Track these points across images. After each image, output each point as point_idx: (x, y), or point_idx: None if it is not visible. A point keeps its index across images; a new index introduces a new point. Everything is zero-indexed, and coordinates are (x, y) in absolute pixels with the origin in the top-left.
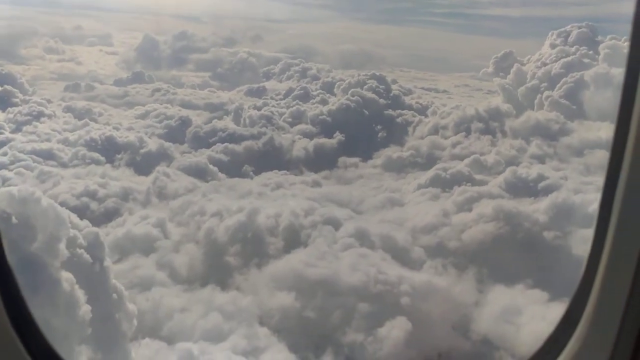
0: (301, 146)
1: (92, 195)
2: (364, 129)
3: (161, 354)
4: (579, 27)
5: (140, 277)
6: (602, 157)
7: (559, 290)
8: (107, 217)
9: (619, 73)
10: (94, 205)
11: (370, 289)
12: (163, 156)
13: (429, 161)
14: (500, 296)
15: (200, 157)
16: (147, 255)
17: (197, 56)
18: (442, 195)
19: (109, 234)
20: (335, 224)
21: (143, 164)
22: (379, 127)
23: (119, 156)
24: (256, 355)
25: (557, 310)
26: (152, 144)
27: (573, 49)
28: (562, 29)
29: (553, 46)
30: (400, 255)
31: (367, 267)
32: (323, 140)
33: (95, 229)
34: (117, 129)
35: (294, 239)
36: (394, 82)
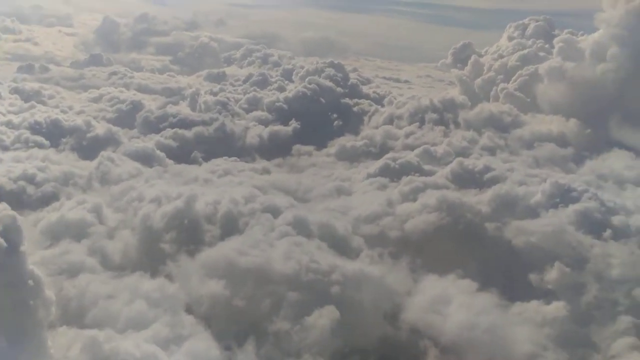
0: (256, 133)
1: (30, 179)
2: (320, 117)
3: (77, 341)
4: (537, 21)
5: (70, 263)
6: (551, 149)
7: (488, 280)
8: (44, 201)
9: (571, 67)
10: (30, 190)
11: (301, 278)
12: (110, 141)
13: (382, 151)
14: (432, 285)
15: (149, 142)
16: (79, 240)
17: (158, 39)
18: (390, 185)
19: (44, 218)
20: (275, 212)
21: (89, 149)
22: (335, 115)
23: (64, 140)
24: (178, 343)
25: (483, 300)
26: (100, 128)
27: (530, 42)
28: (520, 22)
29: (510, 39)
30: (338, 244)
31: (301, 256)
32: (278, 127)
33: (12, 212)
34: (65, 112)
35: (231, 227)
36: (355, 70)
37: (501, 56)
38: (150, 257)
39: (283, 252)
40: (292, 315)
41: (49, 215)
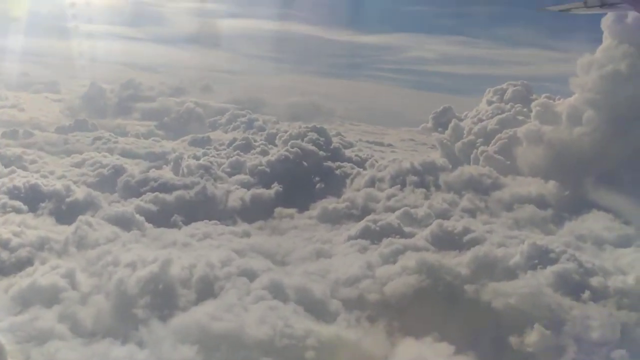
0: (238, 196)
1: (5, 244)
2: (302, 180)
3: None
4: (515, 85)
5: (39, 330)
6: (531, 211)
7: (466, 343)
8: (17, 267)
9: (549, 130)
10: (4, 255)
11: (275, 343)
12: (89, 205)
13: (364, 213)
14: (408, 350)
15: (128, 206)
16: (50, 307)
17: (144, 105)
18: (371, 247)
19: (16, 284)
20: (251, 276)
21: (67, 213)
22: (317, 178)
23: (43, 204)
24: None
25: None
26: (80, 193)
27: (508, 106)
28: (499, 87)
29: (489, 103)
30: (315, 308)
31: (275, 320)
32: (261, 190)
33: None
34: (45, 177)
35: (206, 291)
36: (338, 134)
37: (480, 120)
38: (122, 323)
39: (258, 316)
40: None
41: (21, 281)
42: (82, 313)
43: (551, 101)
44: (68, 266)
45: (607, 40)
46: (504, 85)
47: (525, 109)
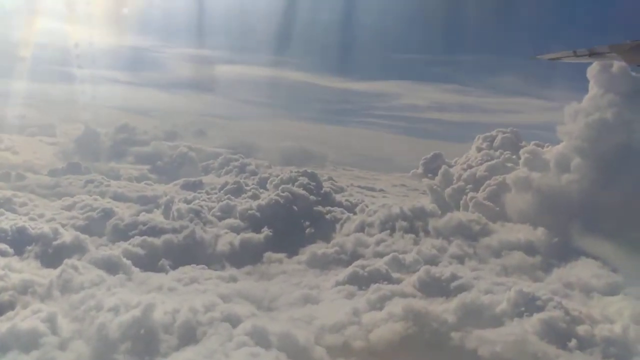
0: (227, 240)
1: None
2: (292, 225)
3: None
4: (504, 132)
5: None
6: (519, 258)
7: None
8: None
9: (537, 177)
10: None
11: None
12: (77, 248)
13: (353, 258)
14: None
15: (116, 250)
16: (29, 352)
17: (138, 149)
18: (358, 293)
19: None
20: (235, 321)
21: (53, 256)
22: (307, 223)
23: (29, 248)
24: None
25: None
26: (67, 236)
27: (497, 153)
28: (488, 134)
29: (479, 149)
30: (298, 355)
31: None
32: (250, 234)
33: None
34: (33, 219)
35: (188, 336)
36: (330, 179)
37: (470, 166)
38: None
39: None
40: None
41: (0, 325)
42: (60, 359)
43: (540, 148)
44: (49, 310)
45: (593, 89)
46: (494, 132)
47: (514, 156)
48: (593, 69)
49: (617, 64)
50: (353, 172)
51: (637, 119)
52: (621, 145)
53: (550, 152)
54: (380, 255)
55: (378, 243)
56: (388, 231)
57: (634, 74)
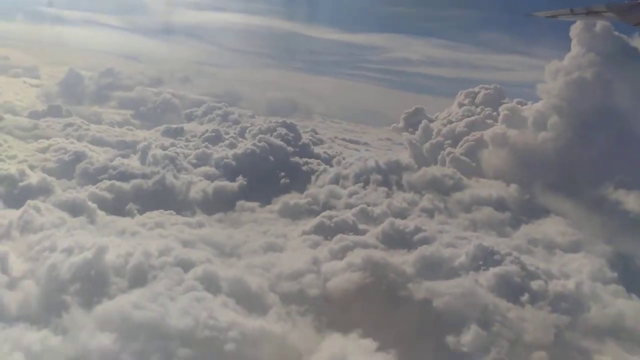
0: (200, 188)
1: None
2: (268, 175)
3: None
4: (487, 89)
5: None
6: (488, 213)
7: (393, 340)
8: None
9: (514, 134)
10: None
11: (196, 334)
12: (42, 190)
13: (325, 209)
14: (332, 344)
15: (83, 193)
16: None
17: (122, 94)
18: (323, 243)
19: None
20: (187, 267)
21: (19, 198)
22: (282, 173)
23: None
24: None
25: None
26: (34, 178)
27: (478, 109)
28: (471, 89)
29: (460, 105)
30: (247, 301)
31: (199, 312)
32: (224, 183)
33: None
34: (2, 161)
35: (139, 280)
36: (312, 131)
37: (450, 122)
38: (48, 309)
39: (182, 307)
40: None
41: None
42: (7, 297)
43: (519, 106)
44: (2, 249)
45: (575, 48)
46: (476, 89)
47: (495, 113)
48: (576, 28)
49: (600, 24)
50: (341, 124)
51: (616, 79)
52: (598, 105)
53: (529, 110)
54: (350, 207)
55: (350, 195)
56: (362, 184)
57: (616, 33)
